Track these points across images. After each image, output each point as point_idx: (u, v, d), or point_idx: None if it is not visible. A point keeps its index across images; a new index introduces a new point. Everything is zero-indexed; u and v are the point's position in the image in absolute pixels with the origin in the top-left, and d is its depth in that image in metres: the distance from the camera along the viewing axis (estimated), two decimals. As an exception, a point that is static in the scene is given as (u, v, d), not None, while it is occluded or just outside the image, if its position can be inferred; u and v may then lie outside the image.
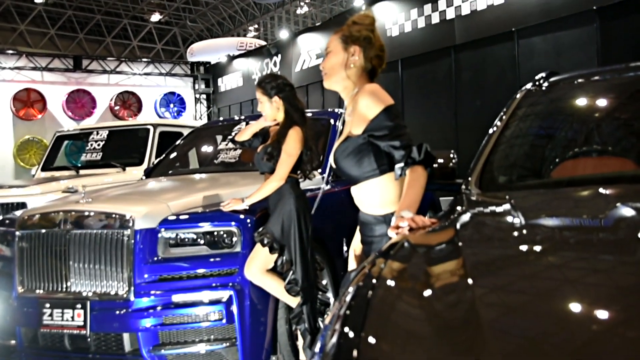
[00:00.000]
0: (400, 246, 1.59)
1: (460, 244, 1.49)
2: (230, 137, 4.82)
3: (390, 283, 1.36)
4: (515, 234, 1.51)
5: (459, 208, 2.00)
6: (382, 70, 2.45)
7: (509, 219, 1.66)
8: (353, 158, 2.29)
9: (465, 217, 1.82)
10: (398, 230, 1.84)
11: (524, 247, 1.39)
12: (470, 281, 1.19)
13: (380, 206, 2.31)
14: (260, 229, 3.29)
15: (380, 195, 2.30)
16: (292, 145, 3.37)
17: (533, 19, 9.18)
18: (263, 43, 22.11)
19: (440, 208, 6.52)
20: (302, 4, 28.84)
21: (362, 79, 2.37)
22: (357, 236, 2.57)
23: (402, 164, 2.15)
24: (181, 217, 3.36)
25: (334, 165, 2.41)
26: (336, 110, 5.09)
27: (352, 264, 2.63)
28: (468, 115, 10.41)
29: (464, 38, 10.47)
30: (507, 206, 1.79)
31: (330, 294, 3.80)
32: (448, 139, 10.63)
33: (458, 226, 1.70)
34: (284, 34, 17.01)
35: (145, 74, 18.92)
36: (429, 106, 11.27)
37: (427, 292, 1.21)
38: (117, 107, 18.12)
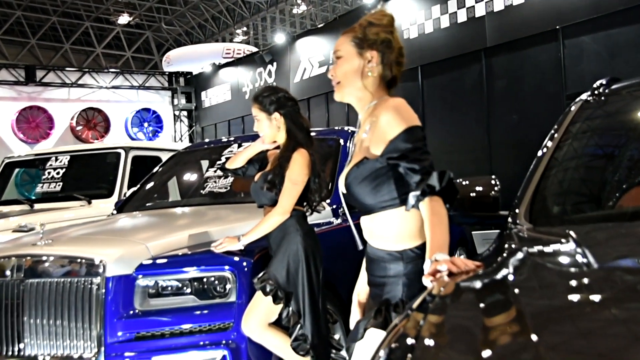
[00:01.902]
0: (440, 296, 1.56)
1: (516, 291, 1.46)
2: (219, 163, 4.82)
3: (432, 343, 1.33)
4: (584, 279, 1.48)
5: (507, 247, 1.98)
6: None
7: (574, 260, 1.64)
8: (369, 184, 2.28)
9: (518, 258, 1.80)
10: (436, 277, 1.82)
11: (597, 297, 1.36)
12: (534, 338, 1.16)
13: (397, 240, 2.29)
14: (261, 274, 3.28)
15: (399, 228, 2.28)
16: (298, 172, 3.36)
17: (582, 14, 9.22)
18: (254, 49, 22.33)
19: (473, 245, 6.50)
20: (299, 2, 29.19)
21: (380, 90, 2.38)
22: (363, 277, 2.55)
23: (417, 192, 2.13)
24: (162, 260, 3.35)
25: (344, 191, 2.40)
26: (345, 128, 5.09)
27: (355, 314, 2.61)
28: (503, 132, 10.42)
29: (497, 39, 10.53)
30: (568, 244, 1.77)
31: (344, 352, 3.76)
32: (479, 160, 10.63)
33: (510, 269, 1.67)
34: (279, 38, 17.17)
35: (114, 87, 19.05)
36: (455, 121, 11.30)
37: (484, 353, 1.18)
38: (79, 128, 18.22)
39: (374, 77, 2.35)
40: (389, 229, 2.30)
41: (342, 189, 2.41)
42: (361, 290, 2.57)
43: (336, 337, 3.76)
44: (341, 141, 4.76)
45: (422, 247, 2.23)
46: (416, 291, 2.17)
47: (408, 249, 2.27)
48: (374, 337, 2.21)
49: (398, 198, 2.27)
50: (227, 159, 4.17)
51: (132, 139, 18.46)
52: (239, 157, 3.71)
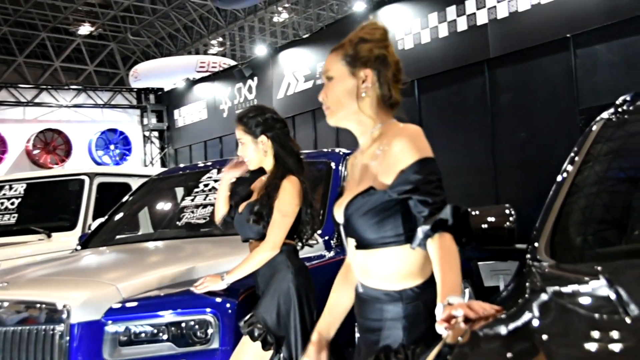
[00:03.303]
0: (459, 347, 1.54)
1: (544, 339, 1.44)
2: (196, 191, 4.79)
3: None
4: (620, 325, 1.46)
5: (529, 287, 1.95)
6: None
7: (606, 302, 1.61)
8: (372, 217, 2.26)
9: (542, 301, 1.77)
10: (450, 323, 1.79)
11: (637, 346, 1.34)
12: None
13: (396, 279, 2.28)
14: (248, 317, 3.25)
15: (400, 266, 2.27)
16: (288, 202, 3.35)
17: (595, 21, 9.28)
18: (232, 62, 22.41)
19: (479, 277, 6.48)
20: (280, 9, 29.37)
21: (382, 112, 2.37)
22: (327, 315, 2.56)
23: (427, 227, 2.11)
24: (135, 303, 3.31)
25: (339, 221, 2.38)
26: (336, 150, 5.08)
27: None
28: (509, 152, 10.46)
29: (501, 49, 10.62)
30: (599, 284, 1.75)
31: (341, 405, 3.72)
32: (484, 183, 10.65)
33: (535, 314, 1.65)
34: (260, 50, 17.25)
35: (75, 105, 19.02)
36: (456, 141, 11.31)
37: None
38: (36, 151, 18.14)
39: (370, 97, 2.35)
40: (388, 267, 2.28)
41: (339, 219, 2.38)
42: (322, 330, 2.55)
43: (332, 387, 3.72)
44: (332, 164, 4.75)
45: (422, 286, 2.22)
46: (418, 335, 2.16)
47: (408, 289, 2.25)
48: None
49: (403, 235, 2.25)
50: (206, 186, 4.15)
51: (97, 163, 18.43)
52: (218, 204, 3.69)
